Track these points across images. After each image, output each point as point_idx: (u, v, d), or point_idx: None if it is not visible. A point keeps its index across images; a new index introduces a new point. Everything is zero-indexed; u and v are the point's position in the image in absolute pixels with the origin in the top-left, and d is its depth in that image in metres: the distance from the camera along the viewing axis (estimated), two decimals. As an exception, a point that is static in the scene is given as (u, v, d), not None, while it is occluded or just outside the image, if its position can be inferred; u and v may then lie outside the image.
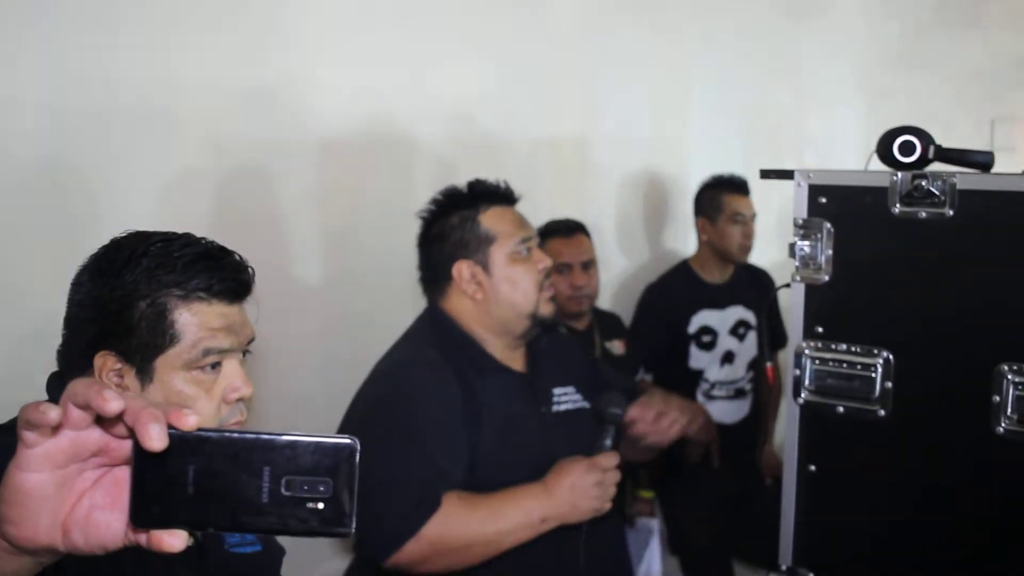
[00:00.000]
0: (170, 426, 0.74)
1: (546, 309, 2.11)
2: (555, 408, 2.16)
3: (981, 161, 1.70)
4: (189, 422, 0.75)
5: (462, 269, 2.10)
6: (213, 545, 1.43)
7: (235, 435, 0.76)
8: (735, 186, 3.57)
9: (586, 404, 2.19)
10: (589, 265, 3.16)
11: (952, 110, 4.47)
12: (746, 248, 3.57)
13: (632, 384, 2.36)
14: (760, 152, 3.76)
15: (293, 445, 0.76)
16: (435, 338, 2.12)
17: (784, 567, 1.78)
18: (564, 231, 3.12)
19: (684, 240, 3.75)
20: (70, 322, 1.37)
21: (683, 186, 3.69)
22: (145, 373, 1.32)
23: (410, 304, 2.64)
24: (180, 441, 0.75)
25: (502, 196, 2.14)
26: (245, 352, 1.40)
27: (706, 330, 3.49)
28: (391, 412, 2.02)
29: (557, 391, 2.18)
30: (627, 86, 3.44)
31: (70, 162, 2.00)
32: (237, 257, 1.39)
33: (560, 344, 2.32)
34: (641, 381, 2.41)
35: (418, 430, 1.99)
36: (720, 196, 3.56)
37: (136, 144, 2.12)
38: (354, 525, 0.76)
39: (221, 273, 1.34)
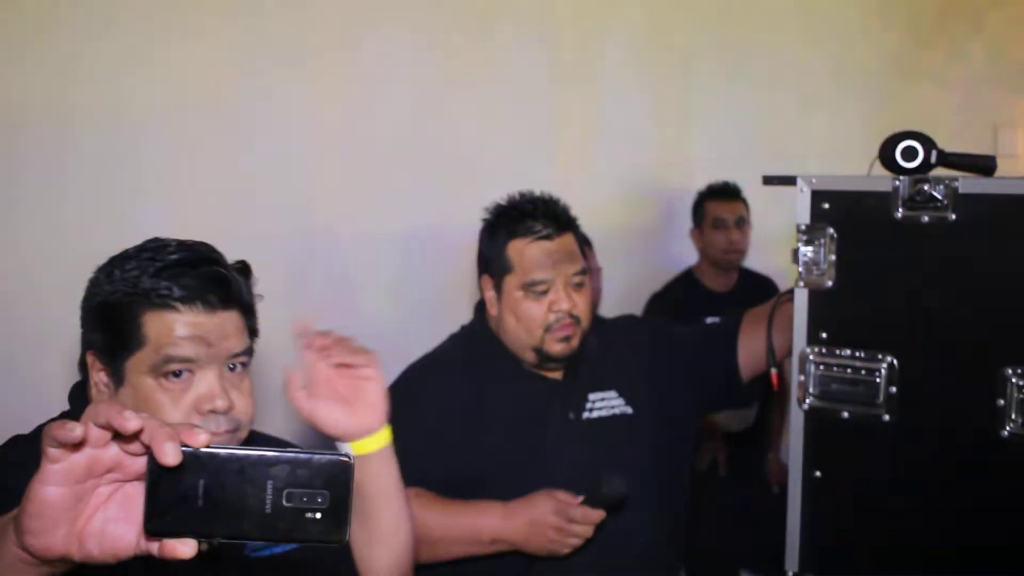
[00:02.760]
0: (183, 443, 0.80)
1: (555, 349, 2.05)
2: (586, 415, 2.11)
3: (983, 165, 1.70)
4: (200, 440, 0.81)
5: (487, 284, 2.13)
6: (228, 552, 1.41)
7: (241, 452, 0.82)
8: (717, 192, 3.60)
9: (628, 408, 2.13)
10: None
11: (955, 117, 4.47)
12: (731, 253, 3.57)
13: (733, 322, 2.18)
14: (763, 160, 3.76)
15: (294, 461, 0.82)
16: (468, 340, 2.17)
17: (791, 573, 1.78)
18: None
19: (688, 251, 3.75)
20: (81, 324, 1.38)
21: (687, 196, 3.70)
22: (117, 376, 1.33)
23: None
24: (192, 457, 0.81)
25: (545, 225, 2.05)
26: (238, 365, 1.37)
27: (710, 338, 3.48)
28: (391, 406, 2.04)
29: (593, 396, 2.13)
30: (629, 96, 3.44)
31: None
32: (226, 266, 1.36)
33: (617, 342, 2.22)
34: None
35: (403, 427, 1.98)
36: (704, 203, 3.61)
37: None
38: (348, 534, 0.83)
39: (193, 281, 1.32)
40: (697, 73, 3.72)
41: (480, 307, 2.20)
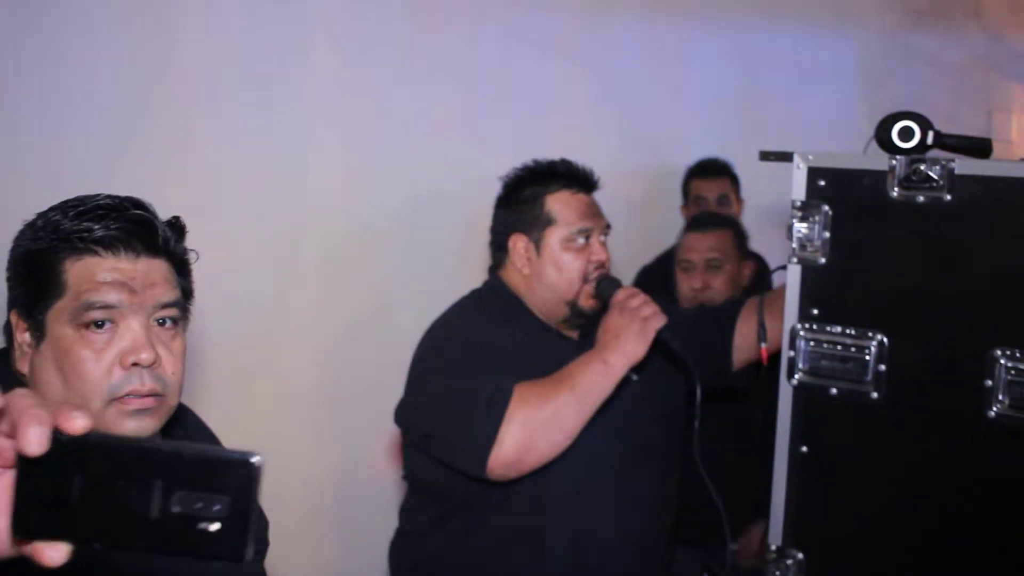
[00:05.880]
0: (57, 429, 0.69)
1: (588, 303, 2.13)
2: None
3: (979, 147, 1.70)
4: (76, 425, 0.69)
5: (517, 243, 2.17)
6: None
7: (128, 442, 0.72)
8: (700, 170, 3.59)
9: (633, 376, 2.16)
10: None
11: (950, 100, 4.47)
12: None
13: (733, 306, 2.27)
14: (758, 137, 3.77)
15: (189, 457, 0.69)
16: (491, 295, 2.22)
17: (774, 547, 1.79)
18: None
19: (679, 226, 3.76)
20: (7, 283, 1.30)
21: (681, 170, 3.70)
22: (38, 330, 1.24)
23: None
24: (67, 446, 0.68)
25: (578, 181, 2.16)
26: (168, 320, 1.27)
27: (700, 311, 3.48)
28: (445, 349, 2.12)
29: None
30: (624, 71, 3.43)
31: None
32: (153, 214, 1.28)
33: None
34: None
35: (472, 355, 2.07)
36: (689, 182, 3.61)
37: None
38: (250, 551, 0.69)
39: (118, 224, 1.23)
40: (695, 49, 3.71)
41: (493, 270, 2.25)
